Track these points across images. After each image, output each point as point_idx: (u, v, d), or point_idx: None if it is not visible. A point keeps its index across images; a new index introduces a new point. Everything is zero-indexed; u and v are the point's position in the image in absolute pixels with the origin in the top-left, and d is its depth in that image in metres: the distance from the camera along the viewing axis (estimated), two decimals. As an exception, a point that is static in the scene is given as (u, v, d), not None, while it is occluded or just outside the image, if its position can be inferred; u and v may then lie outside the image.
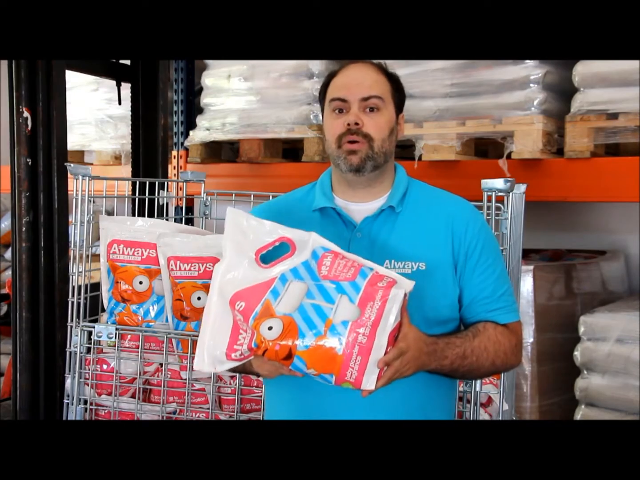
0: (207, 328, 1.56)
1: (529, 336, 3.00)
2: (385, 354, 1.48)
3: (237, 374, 2.25)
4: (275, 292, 1.53)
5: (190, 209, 3.99)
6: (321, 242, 1.58)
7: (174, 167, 3.98)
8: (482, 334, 1.68)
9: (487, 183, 2.08)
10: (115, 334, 2.33)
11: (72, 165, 2.36)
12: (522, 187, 2.14)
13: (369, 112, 1.70)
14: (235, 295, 1.54)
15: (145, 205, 2.64)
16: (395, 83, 1.77)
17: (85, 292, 2.37)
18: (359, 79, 1.72)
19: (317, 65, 3.43)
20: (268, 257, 1.59)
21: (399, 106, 1.78)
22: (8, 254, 4.74)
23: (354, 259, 1.56)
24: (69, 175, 2.38)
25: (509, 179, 2.07)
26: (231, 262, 1.59)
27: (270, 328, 1.49)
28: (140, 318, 2.36)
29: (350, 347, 1.46)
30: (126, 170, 3.67)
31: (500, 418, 2.10)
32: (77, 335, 2.35)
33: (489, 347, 1.67)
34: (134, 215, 2.94)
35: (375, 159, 1.70)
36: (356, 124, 1.68)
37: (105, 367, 2.37)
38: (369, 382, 1.47)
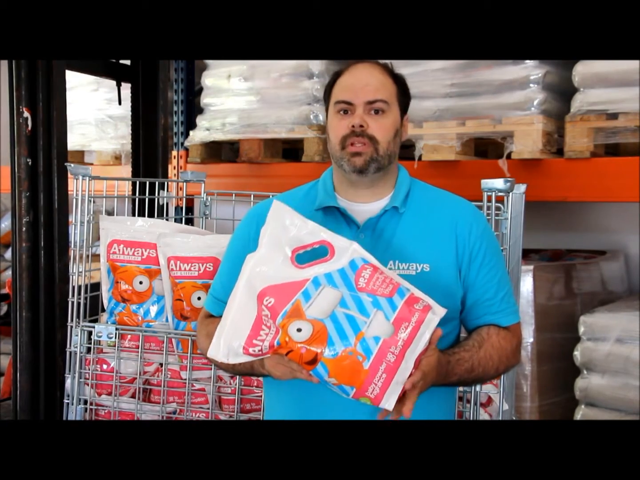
0: (229, 317, 1.54)
1: (529, 336, 3.00)
2: (409, 376, 1.48)
3: (237, 375, 2.25)
4: (307, 294, 1.51)
5: (190, 209, 3.99)
6: (361, 253, 1.57)
7: (174, 167, 3.98)
8: (487, 342, 1.69)
9: (487, 183, 2.08)
10: (115, 334, 2.33)
11: (72, 165, 2.36)
12: (522, 187, 2.14)
13: (374, 114, 1.69)
14: (264, 290, 1.52)
15: (145, 205, 2.64)
16: (401, 85, 1.76)
17: (85, 292, 2.37)
18: (365, 81, 1.70)
19: (317, 65, 3.43)
20: (304, 257, 1.57)
21: (404, 108, 1.77)
22: (8, 254, 4.74)
23: (392, 276, 1.55)
24: (69, 175, 2.38)
25: (509, 179, 2.07)
26: (265, 256, 1.57)
27: (299, 330, 1.47)
28: (140, 318, 2.36)
29: (378, 364, 1.45)
30: (126, 170, 3.67)
31: (500, 418, 2.10)
32: (77, 335, 2.35)
33: (493, 356, 1.68)
34: (134, 215, 2.93)
35: (379, 161, 1.69)
36: (361, 126, 1.67)
37: (105, 367, 2.37)
38: (389, 402, 1.47)
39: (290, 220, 1.60)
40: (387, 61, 1.77)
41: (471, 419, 2.05)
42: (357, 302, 1.50)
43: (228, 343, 1.52)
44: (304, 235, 1.58)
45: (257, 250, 1.59)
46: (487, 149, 3.28)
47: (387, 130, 1.71)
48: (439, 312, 1.52)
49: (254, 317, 1.52)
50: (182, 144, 3.98)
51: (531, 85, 2.96)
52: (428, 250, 1.70)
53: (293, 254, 1.57)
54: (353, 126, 1.68)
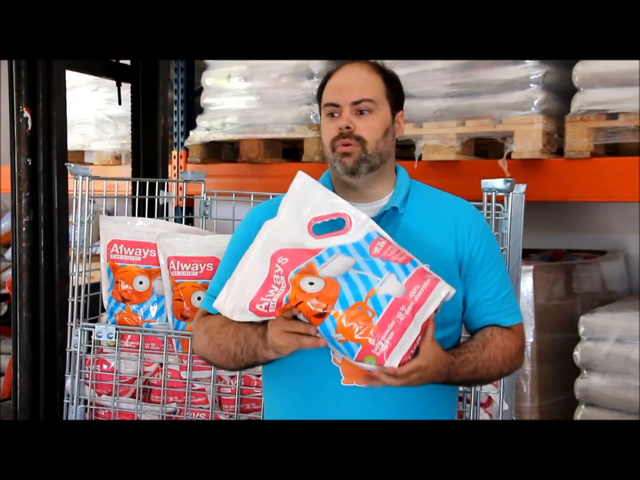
0: (239, 274, 1.55)
1: (529, 336, 2.99)
2: (414, 341, 1.48)
3: (237, 374, 2.25)
4: (321, 259, 1.53)
5: (190, 209, 3.99)
6: (376, 229, 1.60)
7: (174, 167, 3.98)
8: (491, 342, 1.68)
9: (487, 183, 2.08)
10: (115, 334, 2.33)
11: (72, 165, 2.36)
12: (522, 187, 2.14)
13: (360, 114, 1.69)
14: (279, 251, 1.54)
15: (145, 205, 2.63)
16: (390, 82, 1.75)
17: (85, 292, 2.37)
18: (350, 82, 1.71)
19: (317, 65, 3.43)
20: (321, 228, 1.59)
21: (396, 105, 1.76)
22: (8, 254, 4.74)
23: (405, 251, 1.57)
24: (69, 175, 2.38)
25: (509, 179, 2.07)
26: (283, 223, 1.59)
27: (311, 283, 1.48)
28: (140, 318, 2.36)
29: (387, 321, 1.45)
30: (126, 170, 3.67)
31: (500, 418, 2.10)
32: (77, 335, 2.35)
33: (497, 357, 1.68)
34: (134, 215, 2.93)
35: (369, 161, 1.69)
36: (347, 127, 1.68)
37: (105, 367, 2.37)
38: (393, 361, 1.46)
39: (312, 190, 1.61)
40: (378, 60, 1.77)
41: (471, 419, 2.05)
42: (371, 265, 1.52)
43: (235, 299, 1.53)
44: (324, 207, 1.60)
45: (276, 218, 1.60)
46: (487, 149, 3.28)
47: (374, 130, 1.70)
48: (448, 287, 1.54)
49: (265, 276, 1.53)
50: (182, 144, 3.98)
51: (531, 85, 2.96)
52: (428, 250, 1.69)
53: (310, 224, 1.58)
54: (340, 128, 1.68)
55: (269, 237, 1.57)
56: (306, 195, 1.61)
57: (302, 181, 1.63)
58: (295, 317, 1.51)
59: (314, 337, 1.49)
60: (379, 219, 1.72)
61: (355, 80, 1.71)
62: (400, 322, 1.46)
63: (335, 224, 1.59)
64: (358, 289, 1.48)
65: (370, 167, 1.70)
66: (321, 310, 1.46)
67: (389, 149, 1.74)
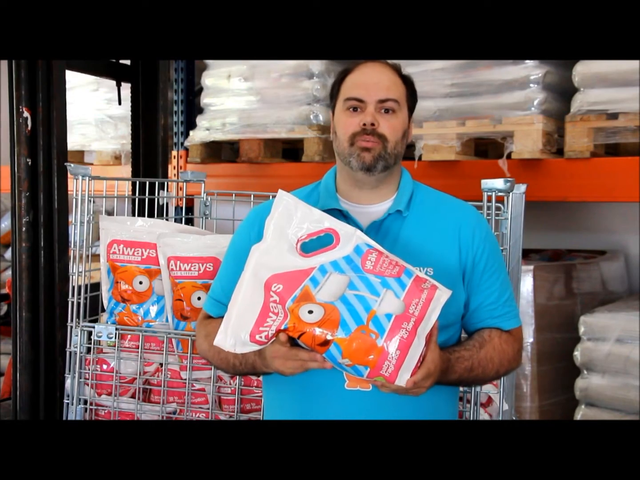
0: (235, 307, 1.53)
1: (529, 336, 3.00)
2: (420, 355, 1.48)
3: (237, 375, 2.25)
4: (315, 281, 1.51)
5: (190, 209, 4.00)
6: (365, 239, 1.58)
7: (174, 167, 3.98)
8: (489, 344, 1.68)
9: (487, 183, 2.08)
10: (115, 334, 2.33)
11: (72, 165, 2.36)
12: (522, 187, 2.14)
13: (384, 113, 1.69)
14: (272, 277, 1.53)
15: (145, 205, 2.63)
16: (409, 86, 1.76)
17: (85, 292, 2.37)
18: (376, 79, 1.70)
19: (317, 65, 3.43)
20: (309, 245, 1.57)
21: (411, 109, 1.77)
22: (8, 254, 4.74)
23: (397, 259, 1.56)
24: (69, 175, 2.38)
25: (509, 179, 2.07)
26: (271, 245, 1.58)
27: (310, 312, 1.47)
28: (140, 318, 2.36)
29: (391, 340, 1.45)
30: (126, 170, 3.67)
31: (500, 418, 2.10)
32: (77, 335, 2.35)
33: (494, 358, 1.68)
34: (134, 215, 2.93)
35: (387, 160, 1.69)
36: (372, 124, 1.67)
37: (105, 367, 2.37)
38: (402, 379, 1.46)
39: (295, 208, 1.60)
40: (396, 61, 1.77)
41: (471, 419, 2.05)
42: (366, 283, 1.51)
43: (235, 333, 1.51)
44: (309, 224, 1.59)
45: (263, 241, 1.59)
46: (487, 149, 3.28)
47: (396, 130, 1.70)
48: (445, 292, 1.53)
49: (261, 305, 1.52)
50: (182, 144, 3.99)
51: (531, 85, 2.96)
52: (432, 253, 1.69)
53: (298, 243, 1.57)
54: (364, 124, 1.67)
55: (259, 262, 1.56)
56: (290, 214, 1.59)
57: (283, 200, 1.61)
58: (295, 342, 1.51)
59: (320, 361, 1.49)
60: (382, 221, 1.72)
61: (382, 78, 1.71)
62: (405, 339, 1.46)
63: (323, 240, 1.58)
64: (358, 312, 1.47)
65: (386, 166, 1.70)
66: (325, 338, 1.46)
67: (402, 151, 1.75)
